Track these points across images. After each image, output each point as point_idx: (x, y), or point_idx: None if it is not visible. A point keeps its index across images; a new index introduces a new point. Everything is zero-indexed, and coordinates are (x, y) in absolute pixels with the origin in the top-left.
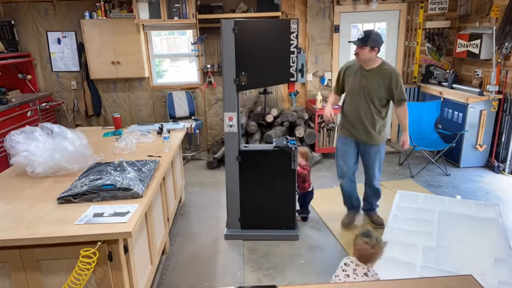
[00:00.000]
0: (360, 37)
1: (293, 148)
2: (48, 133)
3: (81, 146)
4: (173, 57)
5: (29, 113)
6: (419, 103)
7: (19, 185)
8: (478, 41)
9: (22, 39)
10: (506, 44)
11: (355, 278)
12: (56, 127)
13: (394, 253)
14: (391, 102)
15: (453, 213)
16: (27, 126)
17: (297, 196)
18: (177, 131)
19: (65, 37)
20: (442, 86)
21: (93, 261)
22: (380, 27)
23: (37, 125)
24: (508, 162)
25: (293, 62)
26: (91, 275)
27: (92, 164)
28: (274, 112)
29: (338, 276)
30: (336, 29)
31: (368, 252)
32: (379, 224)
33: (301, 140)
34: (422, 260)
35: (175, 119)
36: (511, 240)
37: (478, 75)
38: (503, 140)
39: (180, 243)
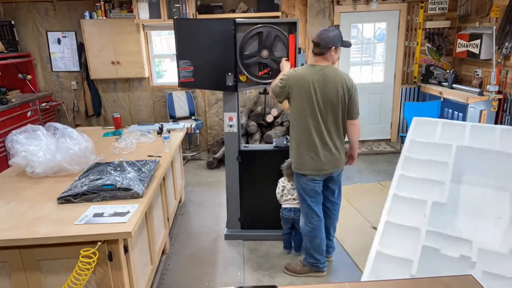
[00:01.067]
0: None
1: None
2: (54, 133)
3: (86, 149)
4: (173, 57)
5: (29, 113)
6: (419, 103)
7: (19, 185)
8: (478, 41)
9: (22, 39)
10: (506, 44)
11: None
12: (63, 127)
13: (399, 213)
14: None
15: (473, 148)
16: (28, 125)
17: None
18: (177, 131)
19: (65, 37)
20: (442, 86)
21: (93, 261)
22: (380, 27)
23: (43, 125)
24: None
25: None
26: (91, 275)
27: (92, 164)
28: (274, 112)
29: (285, 195)
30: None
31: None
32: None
33: None
34: (428, 224)
35: (175, 119)
36: None
37: (478, 75)
38: None
39: (180, 243)
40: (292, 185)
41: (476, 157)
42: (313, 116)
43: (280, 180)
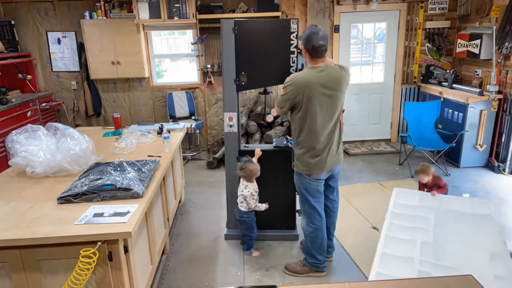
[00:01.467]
0: None
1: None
2: (55, 133)
3: (87, 149)
4: (173, 57)
5: (29, 113)
6: (419, 103)
7: (19, 185)
8: (478, 41)
9: (22, 39)
10: (506, 44)
11: (248, 190)
12: (64, 128)
13: (393, 248)
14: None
15: (449, 209)
16: (28, 125)
17: None
18: (177, 131)
19: (65, 37)
20: (442, 86)
21: (93, 261)
22: (380, 27)
23: (43, 125)
24: (508, 162)
25: (293, 62)
26: (91, 275)
27: (92, 164)
28: (274, 112)
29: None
30: (336, 29)
31: (246, 172)
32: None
33: None
34: (420, 255)
35: (175, 119)
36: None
37: (478, 75)
38: (503, 140)
39: (180, 243)
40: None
41: (453, 217)
42: (324, 117)
43: (244, 185)
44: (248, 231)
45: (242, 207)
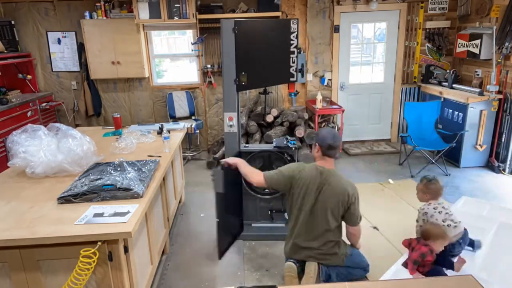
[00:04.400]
0: None
1: (293, 148)
2: (56, 134)
3: (88, 150)
4: (173, 57)
5: (29, 113)
6: (419, 103)
7: (19, 185)
8: (478, 41)
9: (22, 39)
10: (506, 44)
11: (447, 211)
12: (66, 128)
13: None
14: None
15: None
16: (29, 125)
17: None
18: (177, 131)
19: (65, 37)
20: (442, 86)
21: (93, 261)
22: (380, 27)
23: (44, 125)
24: (508, 162)
25: (293, 62)
26: (91, 275)
27: (92, 164)
28: (274, 112)
29: (437, 219)
30: (336, 29)
31: (436, 190)
32: None
33: (301, 140)
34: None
35: (175, 119)
36: None
37: (478, 75)
38: (503, 140)
39: (180, 243)
40: None
41: None
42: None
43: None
44: None
45: None
